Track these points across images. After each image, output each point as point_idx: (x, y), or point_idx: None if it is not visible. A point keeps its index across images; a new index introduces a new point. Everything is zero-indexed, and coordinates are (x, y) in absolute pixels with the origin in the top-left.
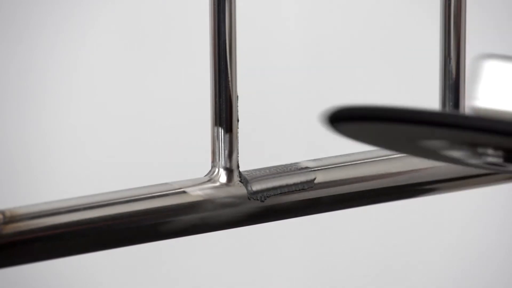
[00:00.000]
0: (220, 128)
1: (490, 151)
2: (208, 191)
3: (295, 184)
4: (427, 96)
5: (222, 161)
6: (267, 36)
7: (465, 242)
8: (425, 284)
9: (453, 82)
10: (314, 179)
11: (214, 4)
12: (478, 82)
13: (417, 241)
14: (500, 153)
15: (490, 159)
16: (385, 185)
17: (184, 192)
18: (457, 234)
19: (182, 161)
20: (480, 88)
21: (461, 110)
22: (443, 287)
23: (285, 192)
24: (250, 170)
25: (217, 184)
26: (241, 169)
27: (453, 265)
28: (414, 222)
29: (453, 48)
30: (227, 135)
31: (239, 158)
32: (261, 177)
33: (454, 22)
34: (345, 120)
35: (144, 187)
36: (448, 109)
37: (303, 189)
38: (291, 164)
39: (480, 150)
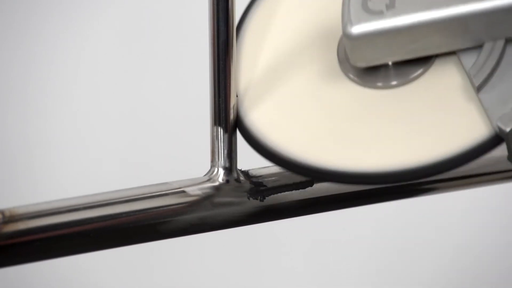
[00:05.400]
0: (219, 128)
1: None
2: (208, 191)
3: (294, 184)
4: None
5: (221, 161)
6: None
7: (465, 241)
8: (426, 284)
9: None
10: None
11: (213, 4)
12: None
13: (417, 240)
14: None
15: None
16: (384, 185)
17: (183, 191)
18: (457, 234)
19: (181, 161)
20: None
21: None
22: (444, 287)
23: (284, 192)
24: (249, 170)
25: (217, 183)
26: (240, 168)
27: (453, 264)
28: (414, 221)
29: None
30: (227, 135)
31: (238, 157)
32: (260, 176)
33: None
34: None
35: (143, 186)
36: None
37: (303, 189)
38: None
39: None
